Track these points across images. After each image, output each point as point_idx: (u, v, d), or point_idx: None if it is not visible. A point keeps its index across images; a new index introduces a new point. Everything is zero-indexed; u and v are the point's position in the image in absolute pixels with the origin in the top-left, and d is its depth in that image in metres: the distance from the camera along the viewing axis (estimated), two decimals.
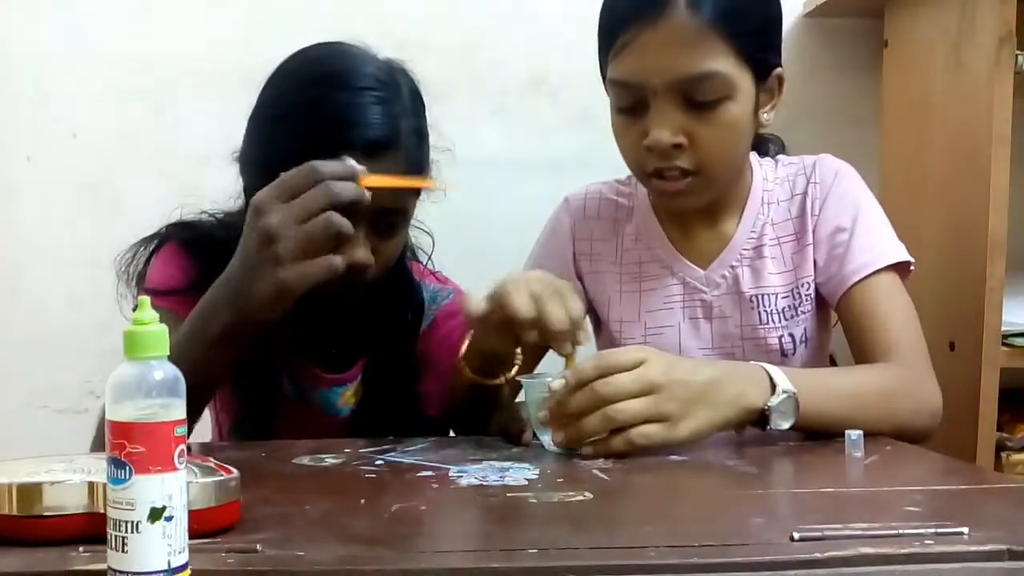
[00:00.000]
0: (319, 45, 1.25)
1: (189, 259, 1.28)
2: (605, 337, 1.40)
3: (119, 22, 1.85)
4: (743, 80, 1.22)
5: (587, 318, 1.12)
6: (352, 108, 1.16)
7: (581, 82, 1.88)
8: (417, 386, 1.34)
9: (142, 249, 1.31)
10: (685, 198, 1.28)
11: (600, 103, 1.87)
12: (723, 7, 1.19)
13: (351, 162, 1.02)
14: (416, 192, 1.23)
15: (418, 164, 1.22)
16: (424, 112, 1.26)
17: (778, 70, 1.27)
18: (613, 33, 1.23)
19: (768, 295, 1.33)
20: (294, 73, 1.22)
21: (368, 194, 1.02)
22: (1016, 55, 1.51)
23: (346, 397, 1.34)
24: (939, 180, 1.67)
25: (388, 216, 1.18)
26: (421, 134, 1.23)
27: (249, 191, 1.26)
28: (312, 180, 0.99)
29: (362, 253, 1.14)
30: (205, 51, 1.82)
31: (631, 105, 1.24)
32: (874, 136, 1.88)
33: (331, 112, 1.16)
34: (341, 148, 1.12)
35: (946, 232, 1.61)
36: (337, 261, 0.99)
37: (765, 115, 1.27)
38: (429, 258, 1.43)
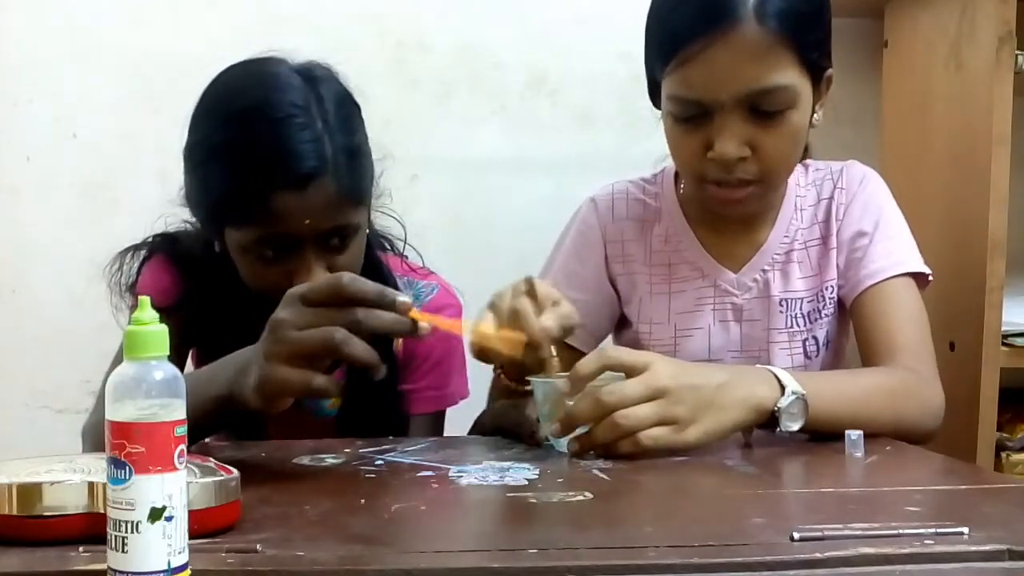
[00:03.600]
0: (235, 69, 1.23)
1: (176, 274, 1.30)
2: (632, 337, 1.39)
3: (119, 22, 1.85)
4: (805, 88, 1.21)
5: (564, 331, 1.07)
6: (273, 144, 1.15)
7: (581, 82, 1.89)
8: (398, 385, 1.33)
9: (129, 258, 1.32)
10: (742, 206, 1.27)
11: (600, 103, 1.89)
12: (790, 17, 1.16)
13: (403, 297, 0.92)
14: (365, 204, 1.22)
15: (353, 182, 1.19)
16: (354, 122, 1.23)
17: (828, 71, 1.26)
18: (673, 45, 1.18)
19: (795, 299, 1.33)
20: (213, 111, 1.21)
21: (427, 328, 0.94)
22: (1016, 55, 1.51)
23: (334, 399, 1.34)
24: (939, 180, 1.67)
25: (332, 235, 1.18)
26: (352, 150, 1.20)
27: (202, 225, 1.27)
28: (345, 296, 0.91)
29: (314, 276, 1.15)
30: (205, 51, 1.81)
31: (692, 115, 1.21)
32: (874, 136, 1.88)
33: (254, 153, 1.15)
34: (271, 187, 1.13)
35: (946, 232, 1.61)
36: (318, 381, 0.92)
37: (816, 116, 1.26)
38: (405, 246, 1.41)
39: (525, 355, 1.03)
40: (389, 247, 1.41)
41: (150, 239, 1.34)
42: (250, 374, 0.94)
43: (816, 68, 1.22)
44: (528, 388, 1.11)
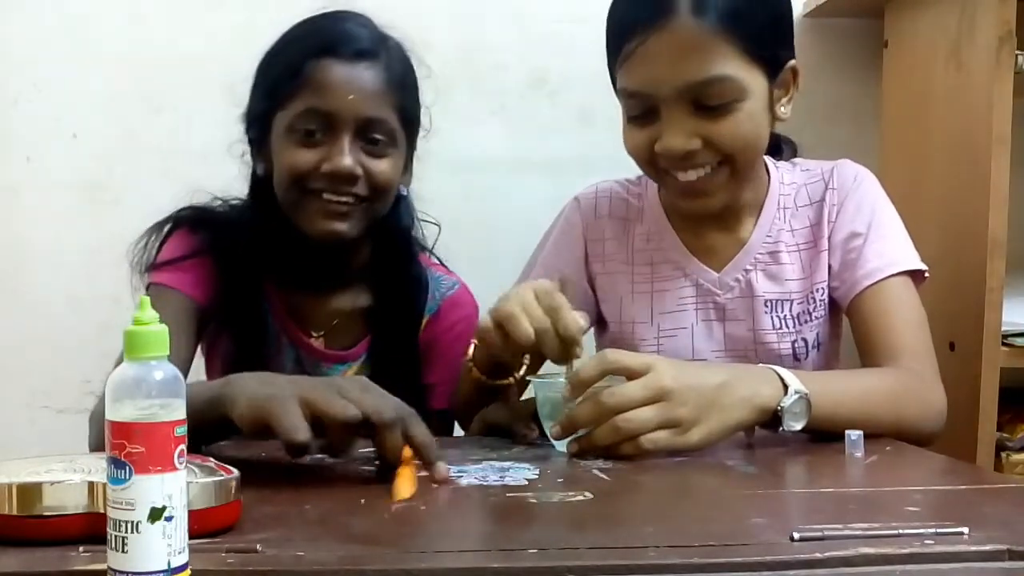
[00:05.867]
0: None
1: (199, 239, 1.32)
2: (615, 337, 1.38)
3: (119, 22, 1.85)
4: (754, 80, 1.20)
5: (585, 330, 1.10)
6: (338, 24, 1.29)
7: (581, 82, 1.89)
8: (421, 378, 1.34)
9: (153, 237, 1.33)
10: (705, 199, 1.25)
11: (600, 103, 1.87)
12: (728, 9, 1.17)
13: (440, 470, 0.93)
14: (404, 122, 1.30)
15: (403, 88, 1.30)
16: (411, 64, 1.34)
17: (791, 63, 1.25)
18: (619, 41, 1.22)
19: (783, 300, 1.32)
20: (289, 28, 1.33)
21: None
22: (1016, 55, 1.50)
23: (349, 376, 1.34)
24: (939, 180, 1.67)
25: (372, 128, 1.26)
26: (406, 70, 1.32)
27: (251, 144, 1.34)
28: (334, 417, 0.90)
29: (347, 160, 1.24)
30: (205, 51, 1.82)
31: (642, 112, 1.23)
32: (874, 136, 1.88)
33: (319, 29, 1.29)
34: (324, 55, 1.24)
35: (946, 232, 1.61)
36: (302, 435, 0.89)
37: (782, 108, 1.26)
38: (433, 247, 1.44)
39: (550, 349, 1.05)
40: (421, 246, 1.44)
41: (174, 213, 1.35)
42: (236, 395, 0.94)
43: (768, 60, 1.21)
44: (503, 383, 1.14)
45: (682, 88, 1.18)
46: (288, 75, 1.26)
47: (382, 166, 1.27)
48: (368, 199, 1.27)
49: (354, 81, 1.25)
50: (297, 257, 1.32)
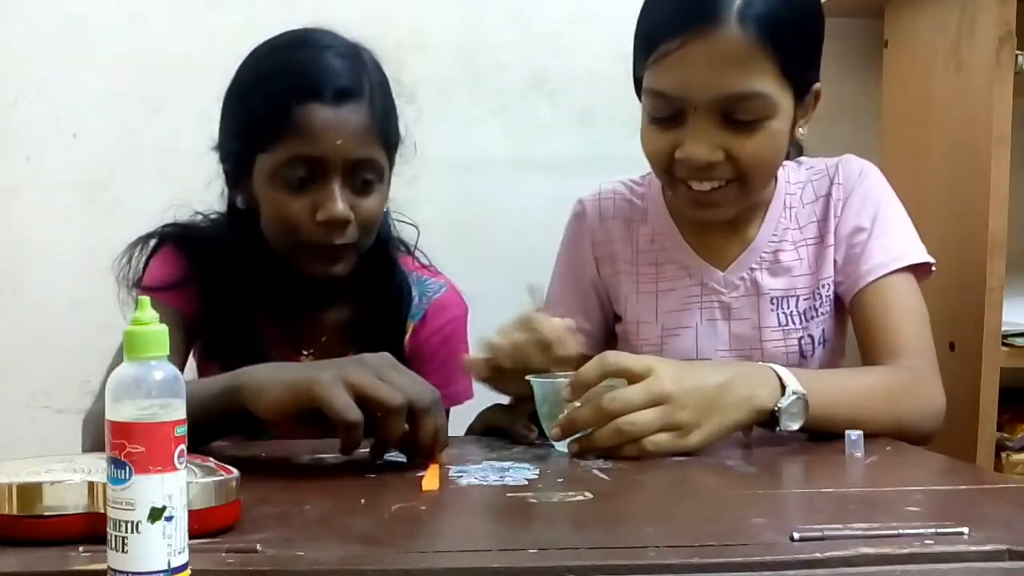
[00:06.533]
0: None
1: (185, 258, 1.31)
2: (619, 335, 1.39)
3: (119, 22, 1.85)
4: (784, 99, 1.19)
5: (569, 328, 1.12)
6: (317, 61, 1.23)
7: (581, 82, 1.89)
8: None
9: (138, 251, 1.32)
10: (715, 210, 1.25)
11: (600, 103, 1.89)
12: (774, 24, 1.15)
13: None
14: (388, 151, 1.28)
15: (386, 122, 1.27)
16: (388, 85, 1.30)
17: (816, 86, 1.24)
18: (655, 39, 1.18)
19: (789, 297, 1.32)
20: (263, 47, 1.28)
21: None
22: (1016, 55, 1.51)
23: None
24: (939, 180, 1.67)
25: (361, 169, 1.23)
26: (386, 96, 1.28)
27: (228, 175, 1.30)
28: (384, 406, 0.94)
29: (340, 207, 1.21)
30: (204, 51, 1.82)
31: (667, 116, 1.20)
32: (874, 136, 1.88)
33: (297, 66, 1.23)
34: (307, 99, 1.20)
35: (946, 232, 1.61)
36: (353, 415, 0.92)
37: (800, 130, 1.25)
38: (415, 248, 1.43)
39: (533, 358, 1.07)
40: (404, 248, 1.42)
41: (158, 229, 1.34)
42: (259, 381, 0.96)
43: (799, 81, 1.20)
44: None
45: (717, 98, 1.16)
46: (270, 118, 1.21)
47: (370, 203, 1.25)
48: (359, 240, 1.26)
49: (341, 125, 1.21)
50: (282, 281, 1.31)
